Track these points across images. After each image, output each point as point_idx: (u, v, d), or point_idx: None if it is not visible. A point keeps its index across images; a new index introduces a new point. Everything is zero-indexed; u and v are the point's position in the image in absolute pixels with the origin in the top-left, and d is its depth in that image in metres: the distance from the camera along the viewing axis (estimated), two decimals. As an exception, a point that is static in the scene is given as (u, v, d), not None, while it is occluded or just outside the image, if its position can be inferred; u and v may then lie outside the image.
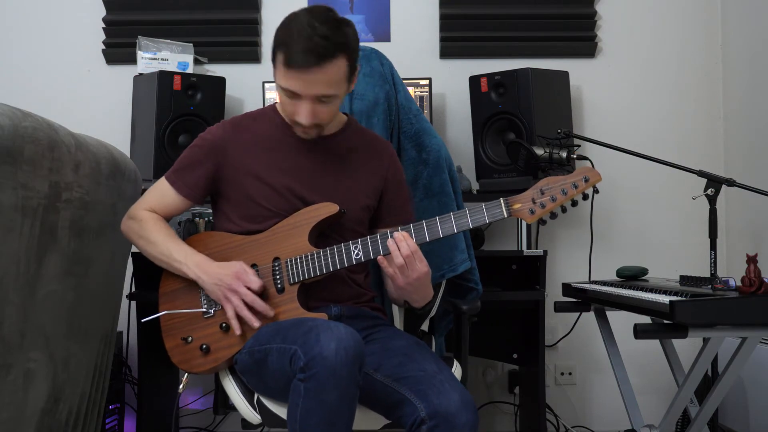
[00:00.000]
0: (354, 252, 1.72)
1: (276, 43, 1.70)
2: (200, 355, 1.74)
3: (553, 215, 1.69)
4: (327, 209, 1.78)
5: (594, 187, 1.69)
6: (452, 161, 2.20)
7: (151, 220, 1.83)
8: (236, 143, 1.83)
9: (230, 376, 1.77)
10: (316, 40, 1.63)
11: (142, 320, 1.84)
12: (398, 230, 1.70)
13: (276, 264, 1.76)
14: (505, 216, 1.68)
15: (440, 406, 1.50)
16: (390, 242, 1.68)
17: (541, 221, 1.70)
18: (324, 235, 1.80)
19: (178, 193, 1.84)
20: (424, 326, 2.12)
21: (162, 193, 1.86)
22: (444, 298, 2.09)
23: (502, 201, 1.68)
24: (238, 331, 1.70)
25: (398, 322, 2.12)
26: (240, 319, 1.71)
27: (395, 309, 2.11)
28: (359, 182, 1.87)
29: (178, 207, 1.86)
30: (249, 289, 1.70)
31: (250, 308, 1.70)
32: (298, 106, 1.72)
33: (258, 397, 1.71)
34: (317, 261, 1.73)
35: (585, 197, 1.69)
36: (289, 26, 1.69)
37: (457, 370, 1.88)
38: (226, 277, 1.71)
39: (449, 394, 1.51)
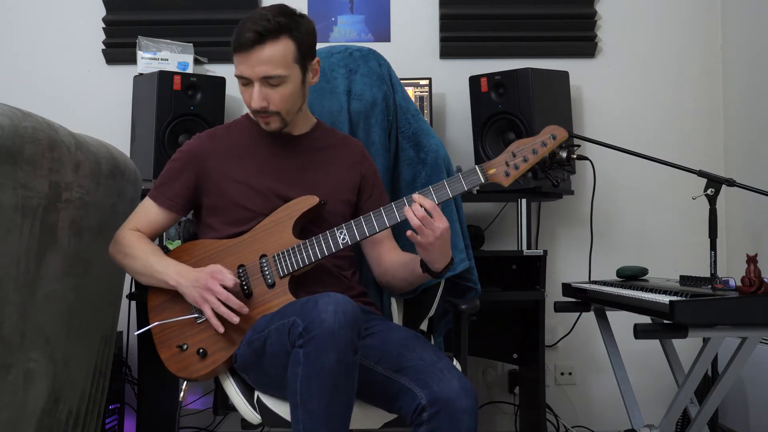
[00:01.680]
0: (340, 236, 1.74)
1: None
2: (198, 360, 1.74)
3: (534, 175, 1.72)
4: (307, 202, 1.80)
5: (566, 146, 1.72)
6: (450, 161, 2.20)
7: (134, 237, 1.85)
8: (214, 153, 1.87)
9: (230, 377, 1.77)
10: (260, 22, 1.71)
11: (135, 333, 1.84)
12: (411, 197, 1.67)
13: (263, 260, 1.77)
14: (482, 181, 1.70)
15: (440, 392, 1.51)
16: (407, 210, 1.65)
17: (517, 182, 1.72)
18: (308, 231, 1.81)
19: (160, 207, 1.86)
20: (423, 326, 2.12)
21: (146, 210, 1.88)
22: (443, 298, 2.09)
23: (477, 168, 1.71)
24: (220, 330, 1.70)
25: (398, 320, 2.12)
26: (221, 318, 1.70)
27: (394, 307, 2.11)
28: (338, 178, 1.90)
29: (163, 222, 1.88)
30: (224, 287, 1.70)
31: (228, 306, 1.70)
32: (250, 93, 1.77)
33: (258, 397, 1.71)
34: (304, 251, 1.75)
35: (569, 160, 1.73)
36: (243, 20, 1.76)
37: (456, 369, 1.88)
38: (201, 278, 1.72)
39: (449, 380, 1.52)
